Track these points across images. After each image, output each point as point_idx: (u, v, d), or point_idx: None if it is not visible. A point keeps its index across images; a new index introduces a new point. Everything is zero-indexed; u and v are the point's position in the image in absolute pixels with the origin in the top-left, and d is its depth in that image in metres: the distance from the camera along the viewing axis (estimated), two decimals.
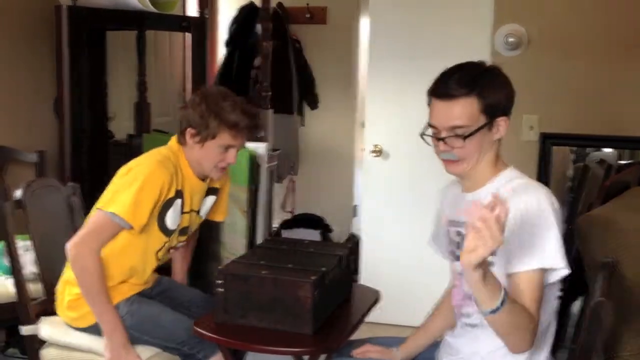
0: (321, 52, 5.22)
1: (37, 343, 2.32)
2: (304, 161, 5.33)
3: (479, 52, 3.46)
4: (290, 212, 5.33)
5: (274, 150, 4.21)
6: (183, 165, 2.29)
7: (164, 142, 3.86)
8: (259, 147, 3.63)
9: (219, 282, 2.00)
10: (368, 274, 3.72)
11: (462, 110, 1.68)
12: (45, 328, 2.31)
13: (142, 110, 4.12)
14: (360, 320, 2.15)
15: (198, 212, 2.42)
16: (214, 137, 2.22)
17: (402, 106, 3.50)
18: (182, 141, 2.29)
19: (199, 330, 2.01)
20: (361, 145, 4.78)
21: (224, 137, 2.22)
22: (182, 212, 2.31)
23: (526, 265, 1.60)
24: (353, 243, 3.37)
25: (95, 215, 2.17)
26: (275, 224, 5.08)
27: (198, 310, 2.39)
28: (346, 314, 2.18)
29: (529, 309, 1.57)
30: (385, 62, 3.66)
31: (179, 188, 2.26)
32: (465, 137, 1.68)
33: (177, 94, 5.06)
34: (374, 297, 2.31)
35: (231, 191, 3.57)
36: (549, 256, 1.61)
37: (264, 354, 2.00)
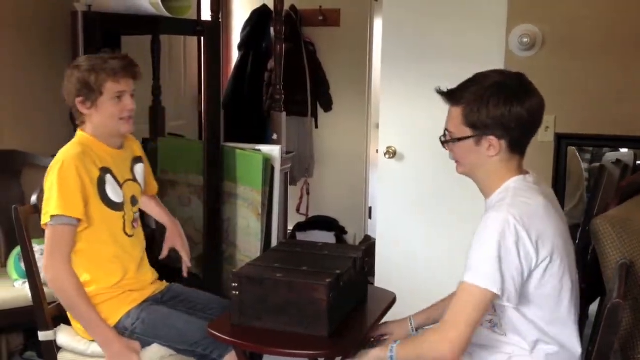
0: (335, 54, 5.22)
1: (54, 349, 2.34)
2: (318, 163, 5.33)
3: (493, 53, 3.45)
4: (305, 214, 5.34)
5: (288, 152, 4.23)
6: (92, 143, 2.32)
7: (178, 146, 3.89)
8: (273, 150, 3.64)
9: (234, 285, 2.01)
10: (383, 276, 3.71)
11: (452, 117, 1.80)
12: (62, 335, 2.34)
13: (157, 114, 4.14)
14: (377, 322, 2.14)
15: (134, 180, 2.46)
16: (101, 92, 2.26)
17: (416, 108, 3.49)
18: (80, 120, 2.33)
19: (214, 332, 2.01)
20: (375, 147, 4.78)
21: (110, 87, 2.26)
22: (120, 185, 2.35)
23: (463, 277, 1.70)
24: (368, 245, 3.36)
25: (46, 234, 2.21)
26: (290, 227, 5.09)
27: (213, 312, 2.40)
28: (362, 316, 2.18)
29: (448, 315, 1.70)
30: (399, 63, 3.65)
31: (102, 165, 2.29)
32: (444, 142, 1.84)
33: (192, 98, 5.08)
34: (390, 299, 2.31)
35: (245, 194, 3.60)
36: (472, 271, 1.68)
37: (280, 357, 2.00)
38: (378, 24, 4.86)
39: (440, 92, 1.83)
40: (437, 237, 3.45)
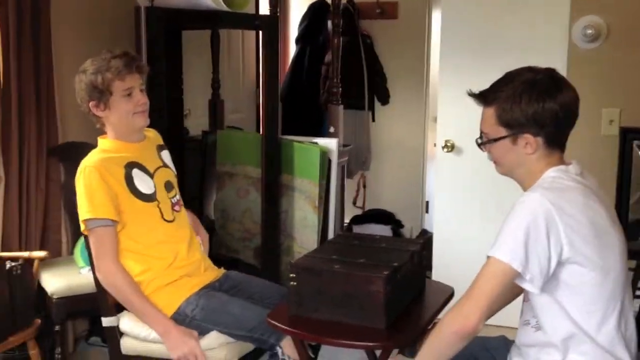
0: (392, 47, 5.20)
1: (117, 334, 2.41)
2: (374, 157, 5.33)
3: (555, 45, 3.38)
4: (361, 207, 5.34)
5: (345, 146, 4.23)
6: (113, 146, 2.39)
7: (237, 138, 3.95)
8: (330, 143, 3.66)
9: (292, 275, 2.03)
10: (440, 271, 3.69)
11: (485, 118, 1.81)
12: (125, 321, 2.40)
13: (216, 107, 4.21)
14: (434, 316, 2.14)
15: (165, 166, 2.51)
16: (111, 93, 2.31)
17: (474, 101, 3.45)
18: (100, 123, 2.39)
19: (272, 322, 2.05)
20: (433, 141, 4.74)
21: (118, 85, 2.31)
22: (151, 174, 2.40)
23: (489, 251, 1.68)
24: (425, 239, 3.35)
25: (89, 240, 2.31)
26: (346, 220, 5.10)
27: (270, 301, 2.43)
28: (419, 309, 2.18)
29: (467, 290, 1.69)
30: (458, 56, 3.61)
31: (127, 162, 2.35)
32: (480, 144, 1.84)
33: (250, 91, 5.14)
34: (448, 293, 2.30)
35: (302, 186, 3.63)
36: (496, 245, 1.67)
37: (336, 348, 2.02)
38: (436, 16, 4.81)
39: (471, 94, 1.83)
40: (495, 233, 3.41)
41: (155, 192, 2.40)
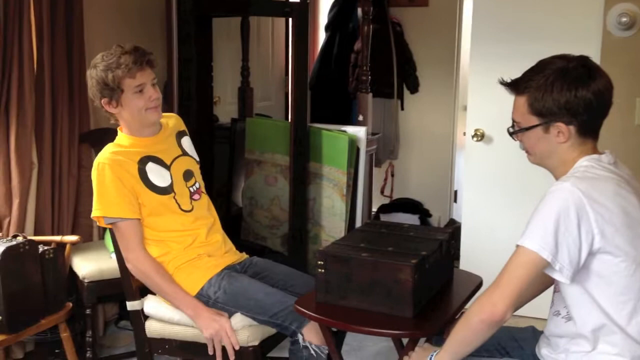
0: (422, 34, 5.16)
1: (141, 317, 2.44)
2: (403, 145, 5.31)
3: (589, 33, 3.32)
4: (389, 196, 5.33)
5: (373, 134, 4.23)
6: (128, 141, 2.39)
7: (266, 126, 3.96)
8: (359, 131, 3.65)
9: (320, 263, 2.04)
10: (468, 261, 3.67)
11: (517, 107, 1.79)
12: (149, 304, 2.42)
13: (245, 94, 4.22)
14: (462, 306, 2.13)
15: (185, 154, 2.50)
16: (122, 90, 2.29)
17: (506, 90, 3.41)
18: (114, 119, 2.40)
19: (300, 308, 2.05)
20: (462, 129, 4.70)
21: (128, 82, 2.29)
22: (167, 167, 2.40)
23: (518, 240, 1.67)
24: (453, 229, 3.33)
25: (113, 231, 2.35)
26: (374, 208, 5.10)
27: (294, 288, 2.43)
28: (447, 298, 2.17)
29: (496, 278, 1.69)
30: (489, 44, 3.57)
31: (141, 157, 2.35)
32: (512, 133, 1.83)
33: (280, 79, 5.15)
34: (476, 283, 2.28)
35: (330, 174, 3.63)
36: (525, 234, 1.66)
37: (362, 335, 2.02)
38: (467, 3, 4.76)
39: (503, 83, 1.81)
40: (524, 223, 3.38)
41: (171, 184, 2.40)
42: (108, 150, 2.35)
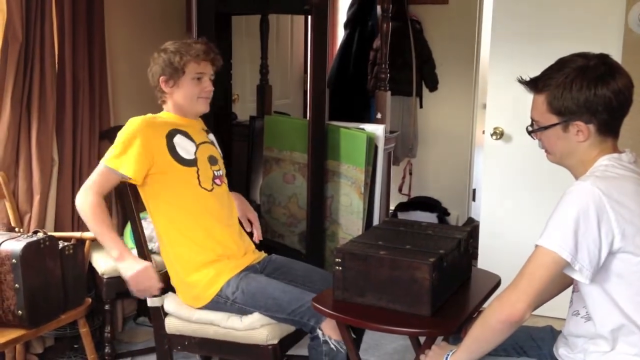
0: (442, 32, 5.13)
1: (161, 314, 2.46)
2: (421, 144, 5.29)
3: (610, 31, 3.29)
4: (407, 194, 5.32)
5: (392, 132, 4.21)
6: (168, 116, 2.50)
7: (284, 124, 3.96)
8: (377, 129, 3.64)
9: (338, 260, 2.04)
10: (486, 260, 3.65)
11: (536, 105, 1.77)
12: (169, 302, 2.45)
13: (263, 92, 4.23)
14: (480, 305, 2.12)
15: (211, 143, 2.59)
16: (184, 72, 2.42)
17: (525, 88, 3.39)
18: (161, 97, 2.51)
19: (317, 306, 2.06)
20: (481, 128, 4.68)
21: (191, 67, 2.43)
22: (196, 145, 2.47)
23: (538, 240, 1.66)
24: (471, 227, 3.32)
25: (96, 168, 2.38)
26: (392, 207, 5.09)
27: (313, 285, 2.44)
28: (465, 297, 2.16)
29: (515, 278, 1.68)
30: (509, 42, 3.55)
31: (173, 128, 2.44)
32: (530, 132, 1.82)
33: (298, 76, 5.15)
34: (494, 282, 2.27)
35: (348, 172, 3.63)
36: (545, 234, 1.64)
37: (380, 333, 2.02)
38: (488, 1, 4.73)
39: (522, 81, 1.80)
40: (543, 222, 3.36)
41: (195, 159, 2.45)
42: (146, 115, 2.47)
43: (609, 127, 1.72)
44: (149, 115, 2.48)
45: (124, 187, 2.39)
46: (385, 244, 2.09)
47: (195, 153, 2.46)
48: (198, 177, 2.44)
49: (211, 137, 2.65)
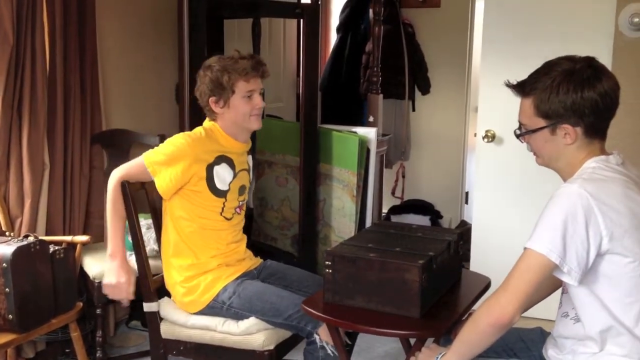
0: (434, 36, 5.14)
1: (157, 319, 2.46)
2: (414, 147, 5.30)
3: (600, 34, 3.30)
4: (400, 197, 5.32)
5: (384, 135, 4.22)
6: (220, 136, 2.44)
7: (276, 127, 3.96)
8: (369, 132, 3.65)
9: (328, 263, 2.04)
10: (479, 262, 3.66)
11: (524, 109, 1.78)
12: (165, 307, 2.45)
13: None
14: (469, 306, 2.12)
15: (248, 170, 2.57)
16: (233, 92, 2.37)
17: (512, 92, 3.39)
18: (212, 117, 2.45)
19: (307, 308, 2.06)
20: (473, 131, 4.69)
21: (241, 86, 2.37)
22: (235, 173, 2.45)
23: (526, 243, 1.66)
24: (464, 230, 3.32)
25: (137, 157, 2.42)
26: (385, 210, 5.09)
27: (307, 289, 2.46)
28: (455, 299, 2.17)
29: (504, 281, 1.67)
30: (500, 44, 3.56)
31: (220, 153, 2.41)
32: (518, 135, 1.82)
33: (291, 80, 5.15)
34: (484, 284, 2.28)
35: (340, 175, 3.63)
36: (533, 237, 1.65)
37: (373, 336, 2.02)
38: (479, 5, 4.74)
39: (509, 85, 1.81)
40: (534, 224, 3.37)
41: (227, 191, 2.44)
42: (201, 129, 2.44)
43: (596, 130, 1.73)
44: (206, 131, 2.42)
45: (123, 185, 2.38)
46: (375, 247, 2.10)
47: (229, 184, 2.45)
48: (223, 207, 2.45)
49: (250, 160, 2.63)
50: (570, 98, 1.68)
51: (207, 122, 2.49)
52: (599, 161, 1.72)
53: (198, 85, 2.43)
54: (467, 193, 5.28)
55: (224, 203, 2.44)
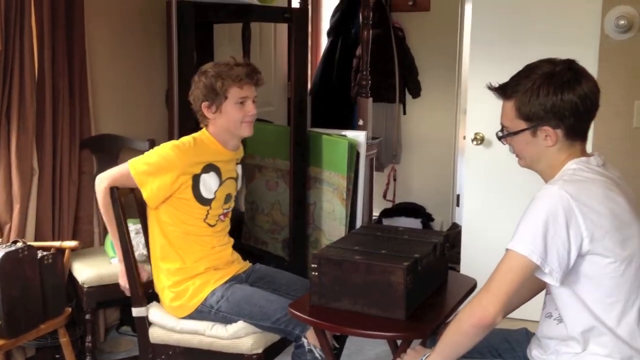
0: (424, 39, 5.17)
1: (146, 324, 2.46)
2: (405, 150, 5.31)
3: (587, 36, 3.32)
4: (391, 201, 5.33)
5: (374, 138, 4.23)
6: (209, 142, 2.45)
7: (266, 131, 3.97)
8: (358, 136, 3.66)
9: (314, 266, 2.05)
10: (469, 265, 3.66)
11: (505, 111, 1.80)
12: (154, 312, 2.46)
13: None
14: (455, 307, 2.13)
15: (235, 179, 2.57)
16: (226, 97, 2.38)
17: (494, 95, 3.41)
18: (204, 122, 2.47)
19: (294, 312, 2.06)
20: (464, 133, 4.71)
21: (234, 92, 2.39)
22: (222, 181, 2.46)
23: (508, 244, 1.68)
24: (455, 233, 3.33)
25: (123, 163, 2.42)
26: (376, 213, 5.10)
27: (296, 293, 2.47)
28: (441, 300, 2.17)
29: (486, 282, 1.69)
30: (489, 47, 3.58)
31: (208, 162, 2.42)
32: (500, 137, 1.83)
33: (282, 83, 5.16)
34: (470, 285, 2.29)
35: (330, 179, 3.64)
36: (515, 238, 1.66)
37: (363, 339, 2.02)
38: (469, 8, 4.76)
39: (491, 88, 1.83)
40: None
41: (213, 199, 2.45)
42: (189, 137, 2.44)
43: (576, 132, 1.74)
44: (195, 140, 2.43)
45: (112, 190, 2.39)
46: (361, 249, 2.10)
47: (215, 192, 2.46)
48: (207, 214, 2.46)
49: (239, 169, 2.64)
50: (551, 100, 1.69)
51: (199, 132, 2.50)
52: (579, 163, 1.73)
53: (192, 90, 2.45)
54: (458, 196, 5.30)
55: (208, 210, 2.46)
